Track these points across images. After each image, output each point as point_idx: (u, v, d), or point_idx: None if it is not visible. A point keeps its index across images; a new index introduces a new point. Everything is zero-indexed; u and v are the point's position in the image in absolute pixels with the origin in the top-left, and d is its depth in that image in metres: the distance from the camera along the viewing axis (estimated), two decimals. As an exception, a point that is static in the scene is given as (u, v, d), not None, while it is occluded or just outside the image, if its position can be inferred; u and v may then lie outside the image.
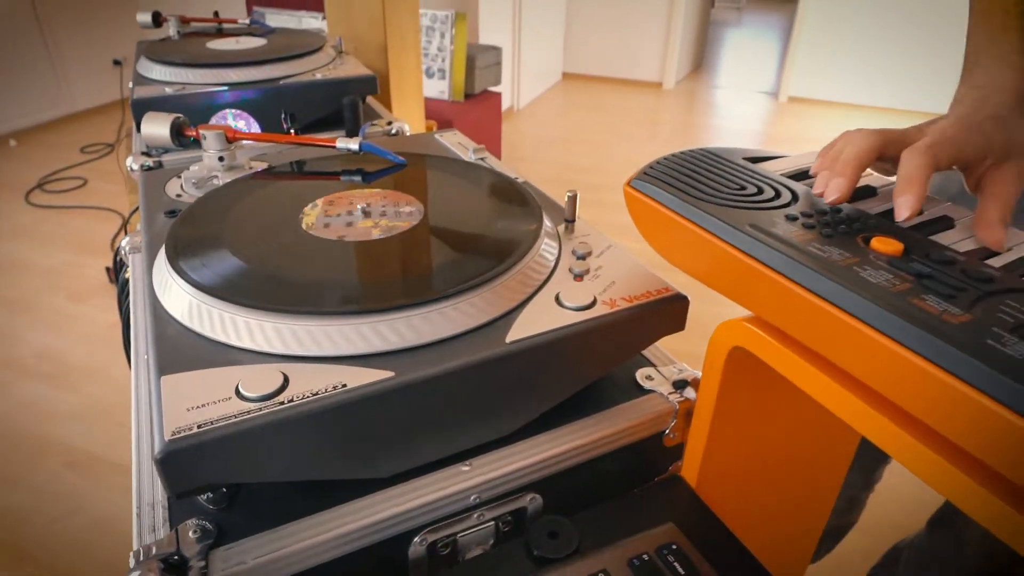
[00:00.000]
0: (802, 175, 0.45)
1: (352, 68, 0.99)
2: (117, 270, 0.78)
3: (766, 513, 0.50)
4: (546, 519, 0.40)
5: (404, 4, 1.37)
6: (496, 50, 2.45)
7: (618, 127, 3.71)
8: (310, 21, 2.05)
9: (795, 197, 0.40)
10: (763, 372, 0.37)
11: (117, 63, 3.72)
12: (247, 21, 1.20)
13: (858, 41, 3.83)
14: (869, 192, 0.42)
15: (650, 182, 0.41)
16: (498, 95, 2.48)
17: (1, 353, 1.69)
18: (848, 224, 0.36)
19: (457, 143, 0.71)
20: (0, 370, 1.62)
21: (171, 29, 1.12)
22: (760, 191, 0.40)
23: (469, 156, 0.67)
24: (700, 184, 0.41)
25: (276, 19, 2.19)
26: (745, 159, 0.46)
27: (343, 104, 0.90)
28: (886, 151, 0.40)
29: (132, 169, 0.79)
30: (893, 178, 0.40)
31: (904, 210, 0.36)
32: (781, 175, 0.44)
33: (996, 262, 0.34)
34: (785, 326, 0.34)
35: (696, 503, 0.43)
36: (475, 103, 2.36)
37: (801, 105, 4.07)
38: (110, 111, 3.59)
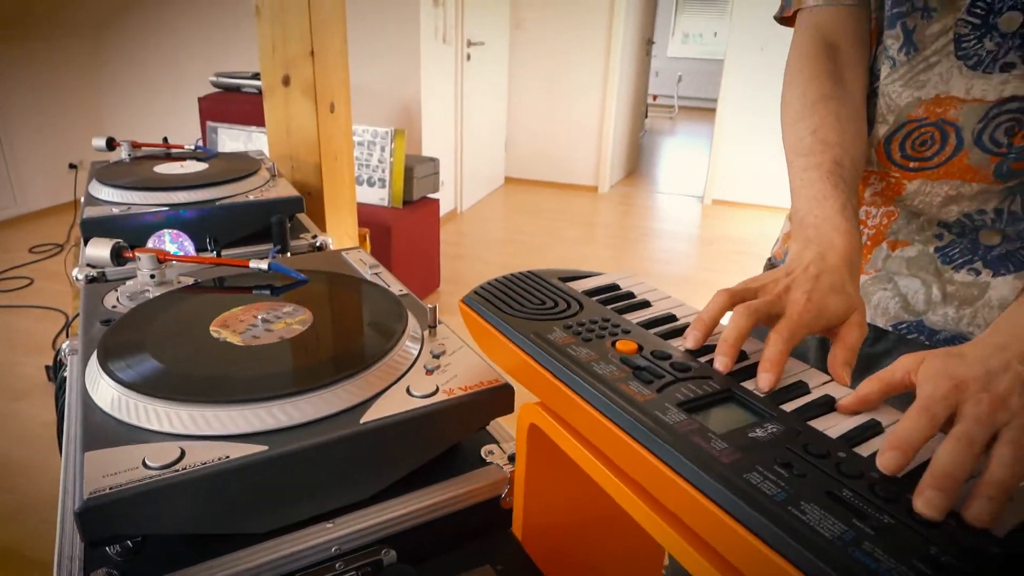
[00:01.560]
0: (600, 290, 0.59)
1: (282, 190, 1.13)
2: (56, 369, 0.87)
3: (596, 564, 0.61)
4: (395, 567, 0.50)
5: (337, 127, 1.54)
6: (434, 161, 2.67)
7: (555, 229, 3.95)
8: (259, 136, 2.22)
9: (581, 307, 0.54)
10: (560, 444, 0.49)
11: (72, 167, 3.84)
12: (193, 146, 1.34)
13: (769, 149, 4.23)
14: (669, 319, 0.57)
15: (475, 299, 0.55)
16: (436, 201, 2.68)
17: (-70, 453, 1.69)
18: (602, 328, 0.50)
19: (359, 260, 0.85)
20: (-73, 470, 1.63)
21: (123, 153, 1.25)
22: (556, 304, 0.54)
23: (366, 272, 0.80)
24: (513, 301, 0.54)
25: (228, 133, 2.37)
26: (559, 278, 0.61)
27: (271, 222, 1.04)
28: (756, 324, 0.47)
29: (77, 279, 0.90)
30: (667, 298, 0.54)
31: (765, 385, 0.42)
32: (582, 291, 0.58)
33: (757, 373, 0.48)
34: (557, 409, 0.47)
35: (517, 551, 0.54)
36: (413, 209, 2.54)
37: (723, 207, 4.42)
38: (62, 212, 3.68)
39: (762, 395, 0.43)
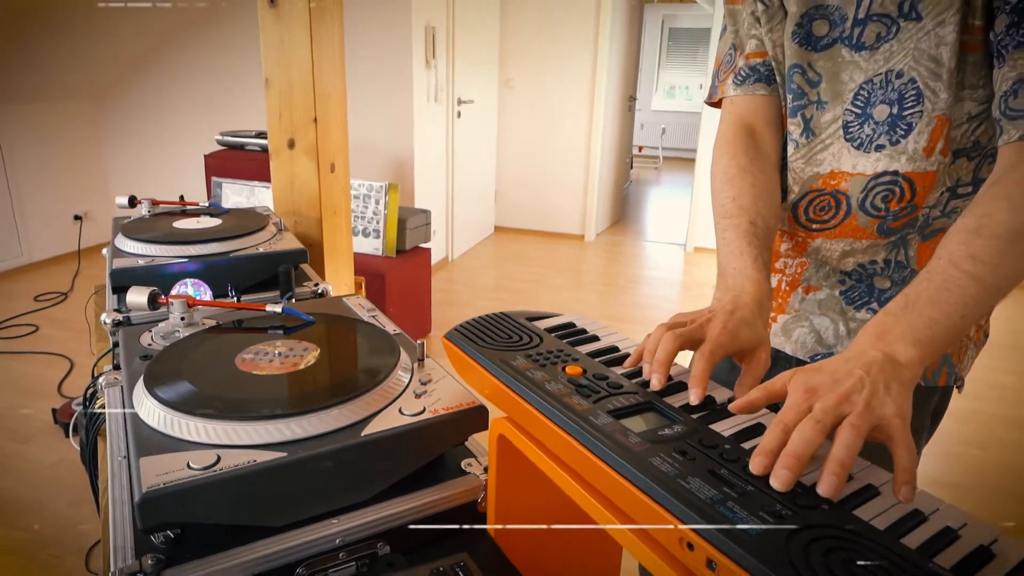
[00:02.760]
0: (559, 327, 0.71)
1: (288, 243, 1.26)
2: (85, 402, 0.98)
3: (560, 556, 0.72)
4: (388, 556, 0.61)
5: (337, 184, 1.69)
6: (425, 212, 2.82)
7: (543, 276, 4.09)
8: (261, 191, 2.37)
9: (541, 341, 0.67)
10: (521, 449, 0.61)
11: (77, 218, 3.98)
12: (207, 203, 1.48)
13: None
14: (613, 350, 0.69)
15: (455, 335, 0.67)
16: (427, 251, 2.82)
17: (-59, 493, 1.77)
18: (556, 356, 0.62)
19: (358, 304, 0.97)
20: (-62, 509, 1.71)
21: (143, 210, 1.39)
22: (520, 339, 0.67)
23: (364, 315, 0.92)
24: (486, 336, 0.67)
25: (232, 188, 2.52)
26: (526, 318, 0.73)
27: (279, 271, 1.17)
28: (683, 348, 0.59)
29: (106, 323, 1.02)
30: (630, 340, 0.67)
31: (695, 400, 0.53)
32: (543, 328, 0.70)
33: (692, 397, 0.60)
34: (518, 420, 0.59)
35: (490, 544, 0.65)
36: (406, 258, 2.68)
37: (704, 254, 4.58)
38: (66, 261, 3.80)
39: (692, 406, 0.55)
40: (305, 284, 1.24)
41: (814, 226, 0.77)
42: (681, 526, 0.41)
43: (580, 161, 4.75)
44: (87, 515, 1.65)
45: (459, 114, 4.06)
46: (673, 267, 4.38)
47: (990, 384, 2.80)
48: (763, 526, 0.40)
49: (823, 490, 0.43)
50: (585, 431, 0.50)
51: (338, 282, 1.77)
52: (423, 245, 2.89)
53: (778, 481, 0.44)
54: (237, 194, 2.54)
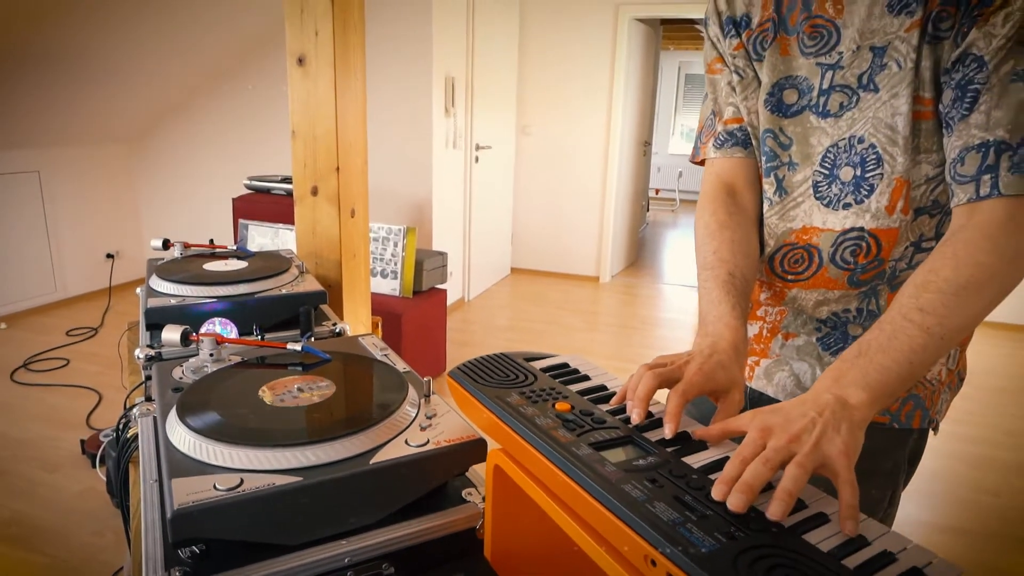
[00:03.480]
0: (553, 367, 0.77)
1: (309, 284, 1.34)
2: (118, 431, 1.05)
3: (552, 587, 0.76)
4: (387, 571, 0.67)
5: (356, 229, 1.78)
6: (442, 255, 2.91)
7: (558, 317, 4.15)
8: (285, 233, 2.47)
9: (536, 379, 0.73)
10: (514, 478, 0.66)
11: (110, 256, 4.13)
12: (235, 245, 1.57)
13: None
14: (602, 388, 0.75)
15: (458, 373, 0.74)
16: (443, 292, 2.90)
17: (-29, 518, 1.84)
18: (548, 394, 0.68)
19: (372, 344, 1.04)
20: (-30, 534, 1.78)
21: (176, 252, 1.48)
22: (517, 377, 0.73)
23: (377, 354, 0.99)
24: (486, 374, 0.73)
25: (257, 229, 2.64)
26: (524, 359, 0.79)
27: (300, 312, 1.24)
28: (661, 386, 0.65)
29: (139, 358, 1.10)
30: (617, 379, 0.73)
31: (669, 433, 0.59)
32: (539, 368, 0.77)
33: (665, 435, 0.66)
34: (512, 451, 0.65)
35: (486, 568, 0.70)
36: (422, 298, 2.76)
37: (720, 298, 4.61)
38: (97, 298, 3.93)
39: (667, 439, 0.61)
40: (324, 323, 1.32)
41: (789, 277, 0.83)
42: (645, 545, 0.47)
43: (595, 205, 4.85)
44: (109, 543, 1.71)
45: (477, 159, 4.19)
46: (687, 309, 4.42)
47: (1005, 431, 2.79)
48: (713, 544, 0.45)
49: (771, 514, 0.48)
50: (568, 461, 0.56)
51: (356, 321, 1.85)
52: (439, 286, 2.98)
53: (733, 504, 0.49)
54: (262, 236, 2.65)
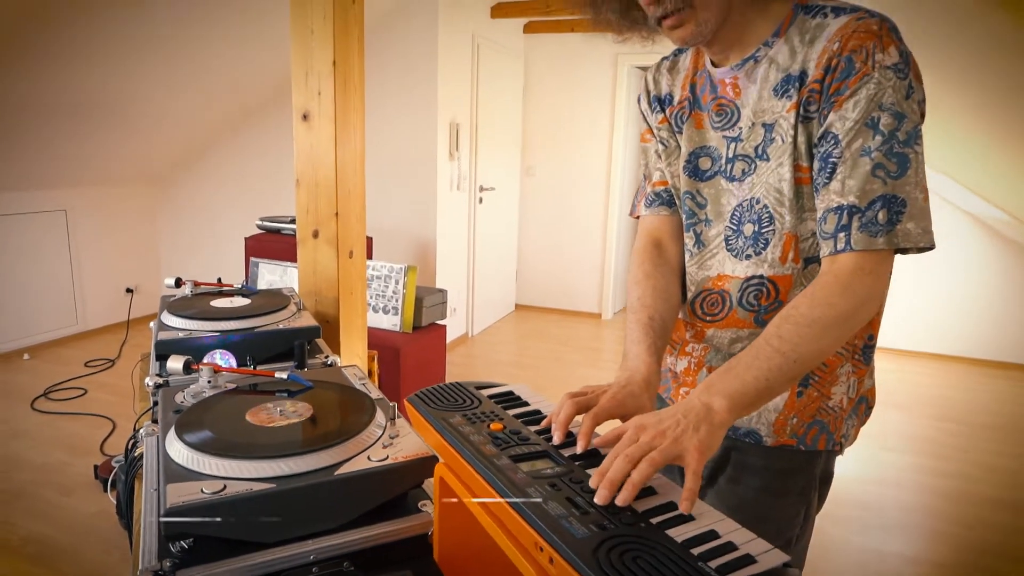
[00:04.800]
0: (500, 395, 0.89)
1: (304, 320, 1.48)
2: (127, 450, 1.18)
3: (496, 591, 0.87)
4: (351, 572, 0.78)
5: (354, 269, 1.92)
6: (442, 292, 3.05)
7: (561, 353, 4.26)
8: (293, 271, 2.63)
9: (480, 403, 0.85)
10: (453, 487, 0.78)
11: (129, 291, 4.32)
12: (243, 283, 1.72)
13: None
14: (536, 413, 0.87)
15: (415, 399, 0.86)
16: (443, 327, 3.03)
17: (-9, 537, 1.97)
18: (487, 416, 0.80)
19: (353, 374, 1.17)
20: (-11, 551, 1.90)
21: (187, 290, 1.63)
22: (464, 402, 0.85)
23: (356, 383, 1.12)
24: (438, 400, 0.86)
25: (267, 267, 2.79)
26: (476, 387, 0.92)
27: (294, 345, 1.38)
28: (579, 412, 0.77)
29: (149, 385, 1.23)
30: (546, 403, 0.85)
31: (579, 449, 0.70)
32: (487, 394, 0.89)
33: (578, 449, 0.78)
34: (450, 464, 0.76)
35: (433, 568, 0.81)
36: (422, 334, 2.89)
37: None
38: (115, 331, 4.11)
39: (578, 454, 0.73)
40: (318, 356, 1.45)
41: (708, 318, 0.95)
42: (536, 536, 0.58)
43: (598, 243, 5.00)
44: (116, 562, 1.82)
45: (481, 200, 4.37)
46: (687, 347, 4.51)
47: (986, 467, 2.84)
48: (586, 533, 0.57)
49: (618, 500, 0.60)
50: (488, 469, 0.68)
51: (352, 354, 1.98)
52: (439, 322, 3.11)
53: (597, 498, 0.61)
54: (272, 273, 2.81)
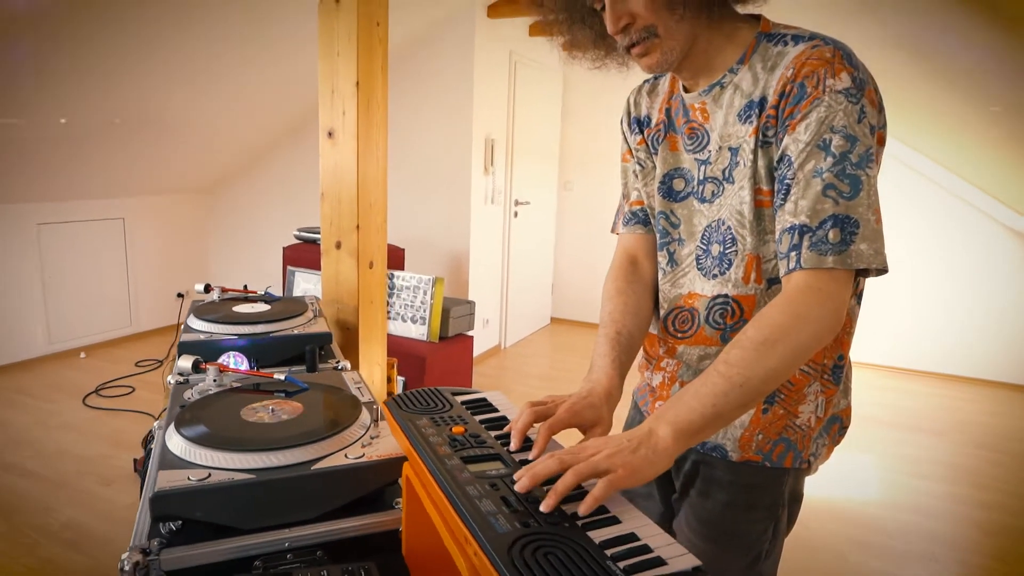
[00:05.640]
0: (472, 401, 0.94)
1: (318, 327, 1.56)
2: (146, 445, 1.28)
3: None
4: (321, 559, 0.84)
5: (374, 279, 2.01)
6: (470, 303, 3.12)
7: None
8: (324, 280, 2.74)
9: (451, 407, 0.90)
10: (415, 485, 0.83)
11: (180, 295, 4.54)
12: (264, 291, 1.82)
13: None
14: (502, 419, 0.92)
15: (391, 402, 0.92)
16: (470, 338, 3.10)
17: (35, 520, 2.12)
18: (453, 420, 0.86)
19: (351, 378, 1.24)
20: (31, 532, 2.05)
21: (215, 295, 1.74)
22: (435, 406, 0.91)
23: (351, 386, 1.19)
24: (413, 404, 0.91)
25: (303, 276, 2.92)
26: (452, 393, 0.97)
27: (305, 349, 1.46)
28: (537, 420, 0.81)
29: (169, 383, 1.33)
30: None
31: (532, 456, 0.73)
32: (460, 400, 0.94)
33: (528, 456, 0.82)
34: (412, 463, 0.82)
35: (397, 560, 0.87)
36: (448, 344, 2.97)
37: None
38: (165, 333, 4.32)
39: (530, 460, 0.77)
40: (330, 361, 1.53)
41: (678, 335, 0.98)
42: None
43: (633, 259, 5.00)
44: (147, 550, 1.94)
45: (516, 214, 4.43)
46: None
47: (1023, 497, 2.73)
48: (508, 528, 0.62)
49: (541, 507, 0.64)
50: (436, 467, 0.73)
51: (371, 361, 2.06)
52: (468, 333, 3.18)
53: (518, 486, 0.65)
54: (307, 281, 2.93)
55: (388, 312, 2.99)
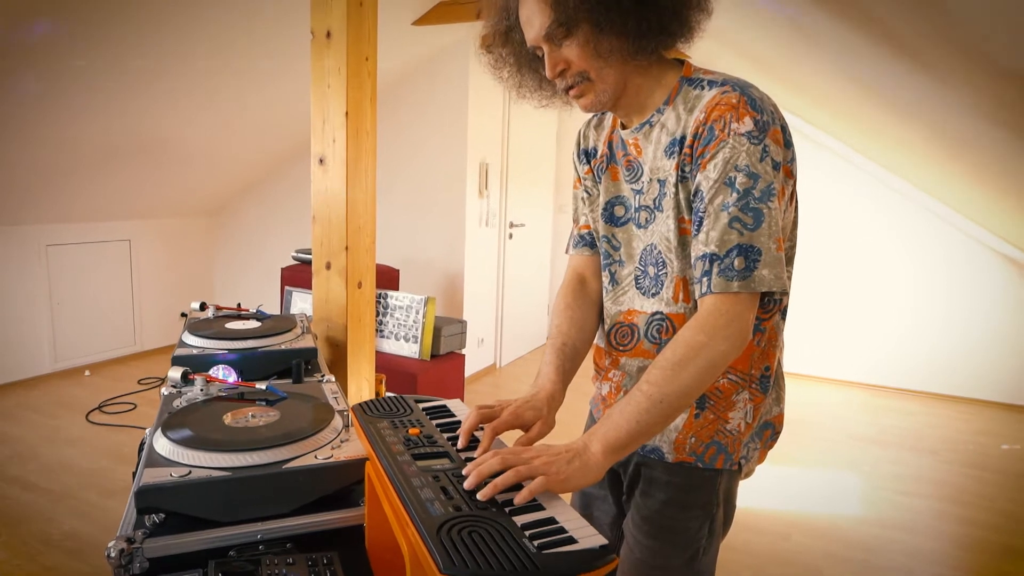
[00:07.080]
0: (432, 408, 1.03)
1: (305, 342, 1.66)
2: (141, 449, 1.37)
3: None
4: (289, 550, 0.93)
5: (363, 298, 2.11)
6: (461, 322, 3.21)
7: (586, 386, 4.33)
8: (319, 299, 2.84)
9: (411, 412, 0.99)
10: (373, 481, 0.92)
11: (183, 315, 4.65)
12: (257, 308, 1.92)
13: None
14: (457, 423, 1.01)
15: (357, 408, 1.01)
16: (461, 356, 3.19)
17: (36, 529, 2.21)
18: (411, 423, 0.95)
19: (330, 389, 1.33)
20: (33, 542, 2.13)
21: (210, 312, 1.84)
22: (398, 411, 1.00)
23: (328, 396, 1.28)
24: (377, 409, 1.00)
25: (299, 295, 3.02)
26: (414, 400, 1.06)
27: (292, 364, 1.55)
28: (483, 422, 0.92)
29: (163, 393, 1.42)
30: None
31: (477, 455, 0.81)
32: (422, 407, 1.03)
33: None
34: (372, 462, 0.91)
35: (360, 551, 0.95)
36: (440, 362, 3.06)
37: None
38: (168, 352, 4.43)
39: (475, 457, 0.86)
40: (316, 375, 1.62)
41: (620, 348, 1.07)
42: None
43: (628, 280, 5.09)
44: (143, 559, 2.02)
45: (511, 236, 4.54)
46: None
47: (1006, 514, 2.77)
48: (441, 512, 0.71)
49: (479, 495, 0.72)
50: (389, 463, 0.82)
51: (359, 376, 2.16)
52: (459, 351, 3.27)
53: (466, 484, 0.74)
54: (303, 300, 3.03)
55: (381, 331, 3.08)
